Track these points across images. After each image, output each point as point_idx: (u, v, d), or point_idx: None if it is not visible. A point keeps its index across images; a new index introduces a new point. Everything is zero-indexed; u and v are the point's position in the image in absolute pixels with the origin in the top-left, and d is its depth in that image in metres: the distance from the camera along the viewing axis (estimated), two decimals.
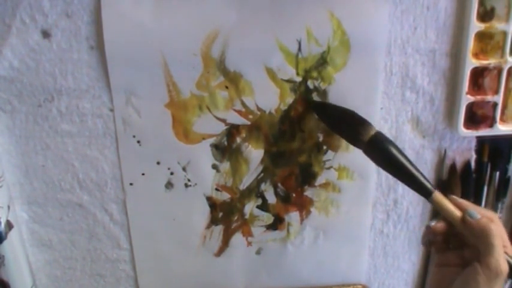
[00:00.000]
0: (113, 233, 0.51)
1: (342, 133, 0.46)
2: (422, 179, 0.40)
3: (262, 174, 0.50)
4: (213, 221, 0.51)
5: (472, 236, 0.38)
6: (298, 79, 0.46)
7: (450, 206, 0.39)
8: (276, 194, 0.51)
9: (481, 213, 0.38)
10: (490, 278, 0.36)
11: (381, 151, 0.42)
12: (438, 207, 0.40)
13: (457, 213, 0.39)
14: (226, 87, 0.46)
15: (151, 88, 0.45)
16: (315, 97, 0.47)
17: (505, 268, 0.36)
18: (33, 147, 0.47)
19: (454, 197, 0.40)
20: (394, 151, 0.41)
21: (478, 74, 0.47)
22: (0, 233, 0.45)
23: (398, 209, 0.53)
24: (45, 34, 0.42)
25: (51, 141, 0.46)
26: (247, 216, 0.51)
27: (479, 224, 0.37)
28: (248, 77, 0.45)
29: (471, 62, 0.46)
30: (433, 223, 0.40)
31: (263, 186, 0.50)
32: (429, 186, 0.40)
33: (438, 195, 0.39)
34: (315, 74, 0.46)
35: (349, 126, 0.44)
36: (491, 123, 0.49)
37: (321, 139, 0.49)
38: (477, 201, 0.53)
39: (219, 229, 0.52)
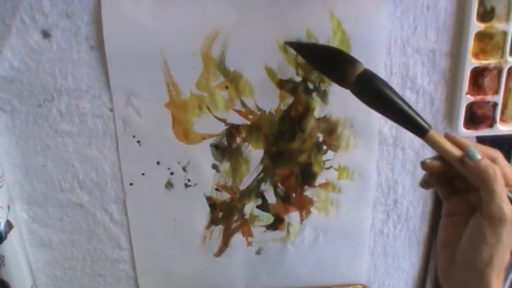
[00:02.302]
0: (113, 233, 0.51)
1: (327, 73, 0.43)
2: (416, 116, 0.37)
3: (262, 174, 0.50)
4: (213, 221, 0.51)
5: (472, 179, 0.34)
6: (298, 79, 0.46)
7: (448, 145, 0.36)
8: (276, 194, 0.51)
9: (483, 153, 0.34)
10: (494, 226, 0.33)
11: (369, 89, 0.38)
12: (435, 147, 0.36)
13: (456, 152, 0.35)
14: (226, 87, 0.46)
15: (151, 88, 0.45)
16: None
17: (509, 213, 0.33)
18: (33, 147, 0.47)
19: (453, 135, 0.36)
20: (384, 88, 0.38)
21: (478, 74, 0.47)
22: (0, 233, 0.45)
23: (398, 209, 0.53)
24: (45, 34, 0.42)
25: (51, 141, 0.46)
26: (247, 216, 0.51)
27: (479, 167, 0.34)
28: (248, 77, 0.45)
29: (471, 62, 0.46)
30: (428, 160, 0.37)
31: (263, 186, 0.50)
32: (424, 124, 0.36)
33: (434, 134, 0.36)
34: (314, 74, 0.46)
35: (334, 65, 0.41)
36: (491, 123, 0.49)
37: (321, 139, 0.49)
38: None
39: (219, 229, 0.52)
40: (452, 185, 0.38)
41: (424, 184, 0.39)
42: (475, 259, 0.34)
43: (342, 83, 0.41)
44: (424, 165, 0.37)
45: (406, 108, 0.37)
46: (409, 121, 0.37)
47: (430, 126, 0.37)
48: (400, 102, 0.37)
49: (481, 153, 0.34)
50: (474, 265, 0.34)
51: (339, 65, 0.40)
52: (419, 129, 0.37)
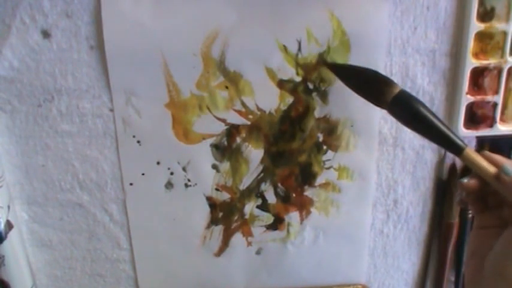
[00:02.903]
0: (113, 233, 0.51)
1: (363, 94, 0.43)
2: (452, 135, 0.38)
3: (262, 174, 0.50)
4: (213, 221, 0.51)
5: (507, 195, 0.35)
6: (298, 79, 0.46)
7: (483, 162, 0.36)
8: (276, 194, 0.51)
9: None
10: None
11: (406, 110, 0.40)
12: (470, 164, 0.37)
13: (492, 169, 0.36)
14: (226, 87, 0.46)
15: (151, 88, 0.45)
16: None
17: None
18: (33, 147, 0.47)
19: (488, 152, 0.37)
20: (421, 108, 0.39)
21: (478, 74, 0.47)
22: (0, 233, 0.45)
23: (398, 209, 0.53)
24: (45, 34, 0.42)
25: (51, 141, 0.46)
26: (247, 216, 0.51)
27: None
28: (248, 77, 0.45)
29: (471, 62, 0.46)
30: (465, 180, 0.37)
31: (263, 186, 0.50)
32: (460, 142, 0.37)
33: (470, 152, 0.37)
34: (315, 74, 0.46)
35: (371, 86, 0.42)
36: (491, 123, 0.49)
37: (321, 139, 0.49)
38: None
39: (219, 229, 0.52)
40: (485, 201, 0.39)
41: (461, 203, 0.40)
42: (506, 269, 0.35)
43: (379, 103, 0.42)
44: (462, 185, 0.38)
45: (443, 127, 0.38)
46: (445, 140, 0.38)
47: (465, 145, 0.38)
48: (436, 122, 0.39)
49: None
50: (505, 275, 0.35)
51: (375, 85, 0.42)
52: (455, 147, 0.38)
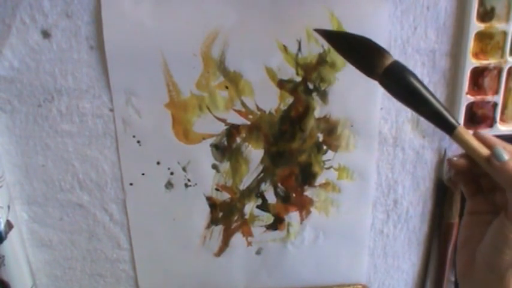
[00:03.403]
0: (113, 233, 0.51)
1: (354, 63, 0.41)
2: (444, 112, 0.36)
3: (262, 174, 0.50)
4: (213, 221, 0.51)
5: (498, 180, 0.33)
6: (298, 79, 0.46)
7: (475, 143, 0.34)
8: (276, 194, 0.51)
9: (511, 153, 0.33)
10: None
11: (398, 82, 0.37)
12: (462, 144, 0.35)
13: (483, 151, 0.34)
14: (226, 87, 0.46)
15: (151, 88, 0.45)
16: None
17: None
18: (33, 147, 0.47)
19: (481, 132, 0.35)
20: (413, 81, 0.36)
21: (478, 74, 0.47)
22: (0, 233, 0.45)
23: (398, 209, 0.53)
24: (45, 34, 0.42)
25: (51, 141, 0.46)
26: (247, 216, 0.51)
27: (505, 168, 0.32)
28: (248, 77, 0.45)
29: (471, 62, 0.46)
30: (455, 158, 0.36)
31: (263, 186, 0.50)
32: (452, 120, 0.35)
33: (462, 131, 0.35)
34: (314, 74, 0.46)
35: (363, 55, 0.39)
36: (491, 123, 0.49)
37: (321, 139, 0.49)
38: None
39: (219, 229, 0.52)
40: (478, 183, 0.37)
41: (450, 182, 0.38)
42: (497, 261, 0.34)
43: (370, 73, 0.39)
44: (450, 162, 0.36)
45: (435, 102, 0.36)
46: (436, 116, 0.36)
47: (458, 123, 0.36)
48: (429, 96, 0.36)
49: (509, 153, 0.33)
50: (495, 267, 0.34)
51: (367, 55, 0.39)
52: (447, 125, 0.36)
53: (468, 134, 0.35)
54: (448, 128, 0.36)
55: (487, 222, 0.35)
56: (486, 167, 0.34)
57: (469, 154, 0.35)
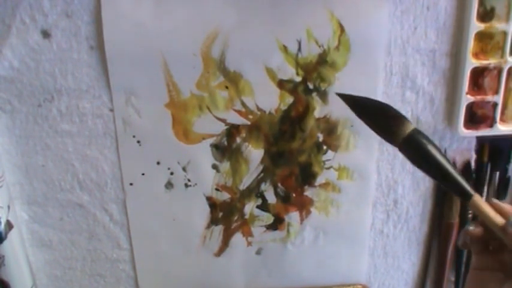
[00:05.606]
0: (113, 233, 0.51)
1: (375, 130, 0.42)
2: (461, 181, 0.37)
3: (262, 174, 0.50)
4: (213, 221, 0.51)
5: None
6: (298, 79, 0.46)
7: (491, 211, 0.36)
8: (276, 194, 0.51)
9: None
10: None
11: (418, 151, 0.38)
12: (478, 212, 0.36)
13: (498, 220, 0.35)
14: (226, 87, 0.46)
15: (151, 88, 0.45)
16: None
17: None
18: (33, 147, 0.47)
19: (496, 201, 0.36)
20: (432, 151, 0.38)
21: (478, 74, 0.47)
22: (0, 233, 0.45)
23: (398, 209, 0.53)
24: (45, 34, 0.42)
25: (51, 141, 0.46)
26: (247, 216, 0.51)
27: None
28: (248, 77, 0.45)
29: (471, 62, 0.46)
30: (471, 227, 0.37)
31: (263, 186, 0.50)
32: (468, 189, 0.37)
33: (478, 199, 0.36)
34: (314, 74, 0.46)
35: (383, 123, 0.41)
36: (491, 123, 0.49)
37: (321, 139, 0.49)
38: None
39: (219, 229, 0.52)
40: (486, 243, 0.38)
41: (463, 247, 0.39)
42: None
43: (390, 141, 0.40)
44: (467, 233, 0.37)
45: (453, 172, 0.37)
46: (454, 185, 0.37)
47: (474, 191, 0.37)
48: (447, 166, 0.37)
49: None
50: None
51: (388, 123, 0.40)
52: (463, 193, 0.37)
53: (484, 203, 0.36)
54: (464, 195, 0.37)
55: (493, 278, 0.36)
56: (501, 235, 0.35)
57: (485, 221, 0.36)
